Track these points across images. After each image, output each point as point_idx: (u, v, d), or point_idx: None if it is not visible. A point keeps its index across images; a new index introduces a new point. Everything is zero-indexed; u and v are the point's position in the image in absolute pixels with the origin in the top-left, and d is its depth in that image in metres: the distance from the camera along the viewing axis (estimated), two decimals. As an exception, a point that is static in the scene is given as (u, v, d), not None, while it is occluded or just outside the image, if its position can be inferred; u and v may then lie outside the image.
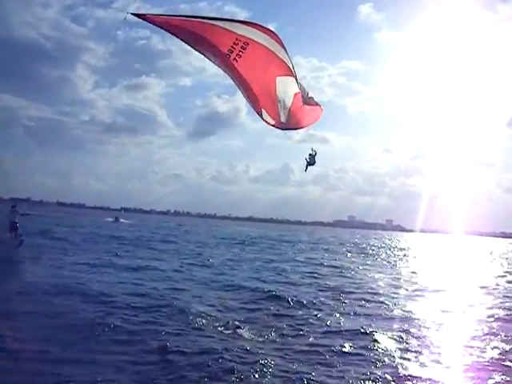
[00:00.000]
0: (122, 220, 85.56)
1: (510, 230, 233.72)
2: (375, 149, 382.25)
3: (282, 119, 10.35)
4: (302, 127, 11.06)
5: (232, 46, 8.81)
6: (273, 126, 10.42)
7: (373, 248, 59.56)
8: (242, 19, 9.44)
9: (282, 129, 10.62)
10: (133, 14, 7.88)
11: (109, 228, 62.45)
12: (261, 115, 10.23)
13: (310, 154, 11.75)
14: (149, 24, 8.40)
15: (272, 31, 9.10)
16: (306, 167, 11.77)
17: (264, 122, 10.48)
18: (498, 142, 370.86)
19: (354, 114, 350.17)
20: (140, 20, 8.20)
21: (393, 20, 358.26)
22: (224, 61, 9.09)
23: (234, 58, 8.93)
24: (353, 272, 27.36)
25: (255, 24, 8.98)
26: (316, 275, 24.61)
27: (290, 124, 10.60)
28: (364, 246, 65.09)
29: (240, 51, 8.85)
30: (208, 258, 29.83)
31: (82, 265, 22.47)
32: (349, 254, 43.50)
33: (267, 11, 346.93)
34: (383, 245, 72.64)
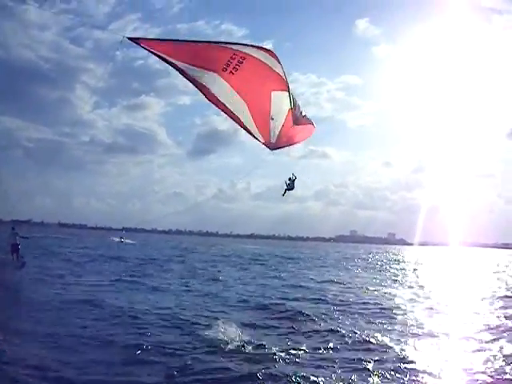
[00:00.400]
0: (127, 240, 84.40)
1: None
2: (375, 163, 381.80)
3: (272, 139, 10.26)
4: (293, 143, 10.88)
5: (229, 60, 8.81)
6: (263, 143, 10.35)
7: (380, 263, 59.09)
8: (236, 41, 9.61)
9: (271, 148, 10.49)
10: (128, 38, 8.03)
11: (117, 248, 61.63)
12: (252, 133, 10.12)
13: (289, 179, 11.49)
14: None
15: (268, 49, 9.16)
16: (285, 192, 11.58)
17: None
18: (499, 154, 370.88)
19: (354, 129, 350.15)
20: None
21: (390, 34, 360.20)
22: (218, 77, 9.02)
23: (231, 72, 8.91)
24: (364, 287, 27.01)
25: (251, 44, 9.07)
26: (328, 291, 24.32)
27: (280, 143, 10.47)
28: (370, 260, 64.60)
29: (237, 65, 8.85)
30: (219, 277, 29.54)
31: (92, 286, 22.29)
32: (356, 270, 42.99)
33: (264, 28, 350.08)
34: (389, 259, 72.28)
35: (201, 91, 9.20)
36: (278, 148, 10.63)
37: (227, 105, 9.46)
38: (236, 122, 9.82)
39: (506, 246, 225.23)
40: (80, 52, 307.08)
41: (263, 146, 10.56)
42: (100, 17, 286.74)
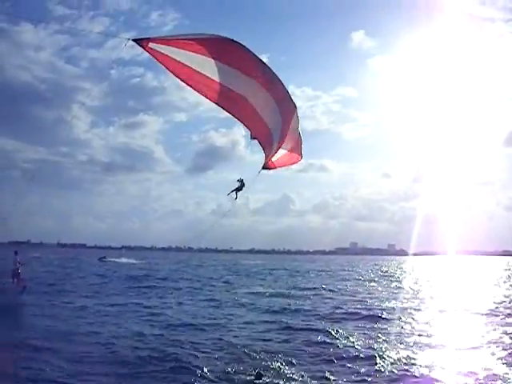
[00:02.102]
0: (131, 260, 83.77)
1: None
2: (374, 174, 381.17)
3: (274, 158, 10.34)
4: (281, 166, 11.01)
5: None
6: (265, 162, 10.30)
7: (396, 274, 59.81)
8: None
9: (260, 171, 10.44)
10: (134, 40, 7.45)
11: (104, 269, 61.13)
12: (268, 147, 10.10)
13: (238, 180, 11.15)
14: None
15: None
16: (233, 191, 11.14)
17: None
18: (496, 161, 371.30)
19: (351, 141, 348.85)
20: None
21: (385, 46, 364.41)
22: (250, 81, 8.88)
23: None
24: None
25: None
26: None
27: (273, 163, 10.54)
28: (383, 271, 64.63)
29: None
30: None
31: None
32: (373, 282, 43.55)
33: (258, 42, 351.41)
34: (401, 270, 72.98)
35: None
36: (266, 169, 10.54)
37: (260, 112, 9.29)
38: (257, 134, 9.78)
39: (506, 253, 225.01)
40: (76, 72, 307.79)
41: (262, 161, 10.54)
42: (94, 36, 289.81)
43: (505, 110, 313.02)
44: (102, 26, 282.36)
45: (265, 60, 9.32)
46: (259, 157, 10.59)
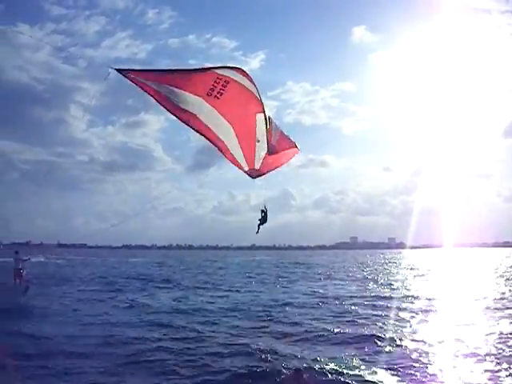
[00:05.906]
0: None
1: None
2: (374, 168, 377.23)
3: (257, 164, 10.55)
4: (275, 168, 11.20)
5: (213, 85, 9.16)
6: (245, 172, 10.51)
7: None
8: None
9: (253, 177, 10.73)
10: (116, 69, 8.26)
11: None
12: (236, 161, 10.32)
13: (262, 211, 11.24)
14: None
15: (243, 70, 9.47)
16: (258, 227, 11.26)
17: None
18: (495, 153, 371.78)
19: (351, 135, 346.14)
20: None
21: (387, 40, 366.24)
22: (205, 103, 9.31)
23: (216, 96, 9.23)
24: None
25: (227, 66, 9.44)
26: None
27: (264, 168, 10.76)
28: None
29: (221, 89, 9.19)
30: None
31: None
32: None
33: (256, 40, 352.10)
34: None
35: (184, 120, 9.35)
36: (261, 175, 10.85)
37: (214, 129, 9.66)
38: (220, 150, 9.96)
39: (506, 245, 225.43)
40: (73, 71, 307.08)
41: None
42: (91, 36, 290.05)
43: (504, 101, 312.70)
44: (99, 25, 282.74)
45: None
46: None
